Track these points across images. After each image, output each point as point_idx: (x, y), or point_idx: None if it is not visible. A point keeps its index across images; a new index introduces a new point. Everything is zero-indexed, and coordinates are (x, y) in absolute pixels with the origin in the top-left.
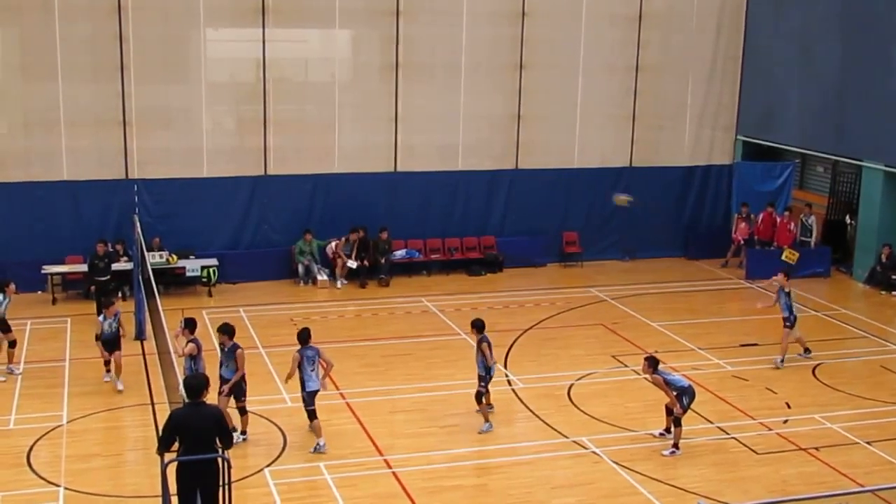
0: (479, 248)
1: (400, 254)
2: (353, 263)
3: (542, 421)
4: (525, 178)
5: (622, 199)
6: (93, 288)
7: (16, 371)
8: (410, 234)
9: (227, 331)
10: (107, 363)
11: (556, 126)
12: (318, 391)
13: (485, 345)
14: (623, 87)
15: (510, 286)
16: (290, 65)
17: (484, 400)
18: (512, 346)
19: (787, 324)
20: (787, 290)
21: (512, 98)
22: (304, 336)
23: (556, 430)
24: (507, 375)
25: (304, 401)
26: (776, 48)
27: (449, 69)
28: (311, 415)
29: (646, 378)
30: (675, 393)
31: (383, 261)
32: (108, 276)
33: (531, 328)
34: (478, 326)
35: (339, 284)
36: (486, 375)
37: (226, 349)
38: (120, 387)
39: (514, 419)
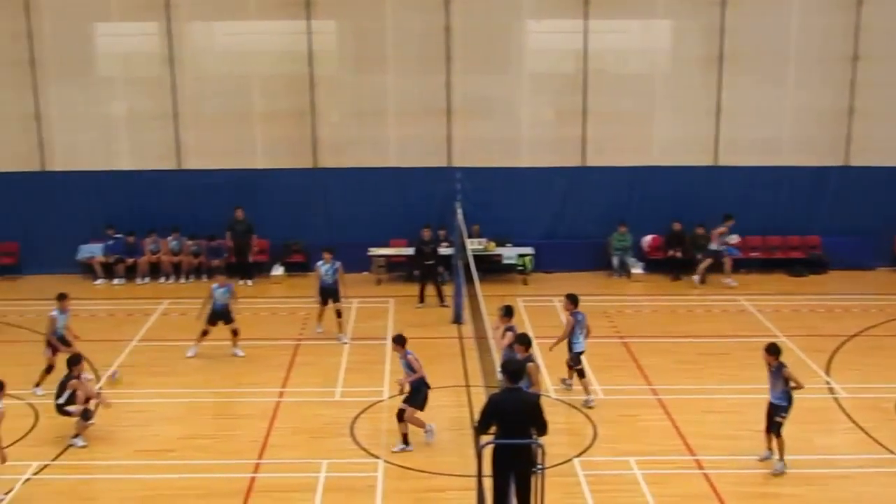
0: (803, 247)
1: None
2: (734, 238)
3: (866, 434)
4: (855, 175)
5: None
6: (418, 272)
7: (343, 339)
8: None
9: (524, 341)
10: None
11: (892, 121)
12: (583, 352)
13: (788, 370)
14: None
15: (835, 289)
16: (611, 56)
17: (780, 433)
18: (835, 352)
19: None
20: None
21: (843, 91)
22: (576, 299)
23: (881, 444)
24: (828, 383)
25: (571, 360)
26: None
27: (775, 60)
28: (580, 373)
29: None
30: None
31: (699, 256)
32: (434, 261)
33: (857, 335)
34: (775, 352)
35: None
36: (787, 406)
37: None
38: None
39: (834, 430)
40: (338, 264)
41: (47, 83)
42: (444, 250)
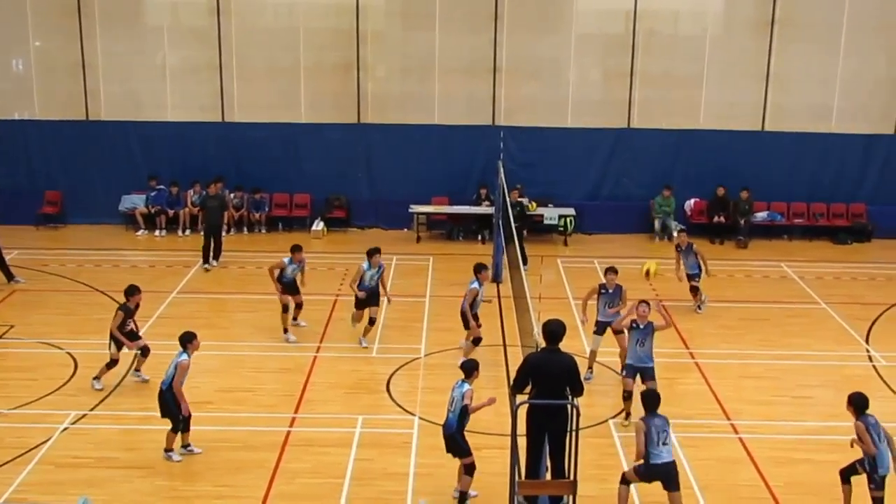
0: (847, 215)
1: (761, 216)
2: None
3: None
4: None
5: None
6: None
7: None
8: (774, 197)
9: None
10: None
11: None
12: None
13: (860, 424)
14: None
15: (878, 257)
16: (661, 17)
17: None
18: (876, 320)
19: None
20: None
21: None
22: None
23: None
24: (868, 351)
25: None
26: None
27: (828, 26)
28: None
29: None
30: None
31: (743, 222)
32: (520, 223)
33: None
34: (856, 404)
35: None
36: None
37: None
38: None
39: (872, 397)
40: (304, 262)
41: (94, 32)
42: (484, 209)
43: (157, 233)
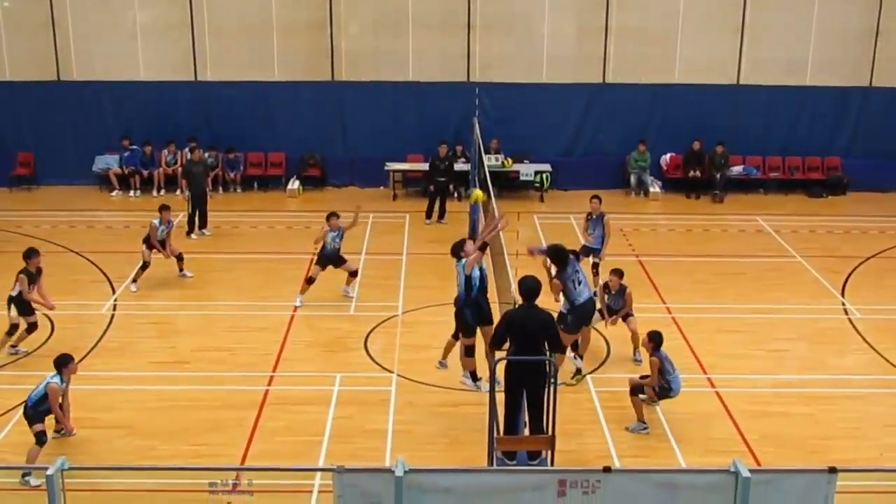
0: (822, 168)
1: (737, 170)
2: None
3: (879, 354)
4: (879, 96)
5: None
6: (432, 188)
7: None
8: (749, 150)
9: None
10: None
11: None
12: None
13: (655, 360)
14: None
15: (853, 211)
16: None
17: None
18: (851, 273)
19: None
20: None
21: (871, 10)
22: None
23: (893, 365)
24: (843, 304)
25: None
26: None
27: None
28: None
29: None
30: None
31: (718, 176)
32: (446, 178)
33: (873, 257)
34: (656, 340)
35: None
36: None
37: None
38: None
39: (847, 350)
40: (173, 224)
41: None
42: (461, 166)
43: (131, 193)
